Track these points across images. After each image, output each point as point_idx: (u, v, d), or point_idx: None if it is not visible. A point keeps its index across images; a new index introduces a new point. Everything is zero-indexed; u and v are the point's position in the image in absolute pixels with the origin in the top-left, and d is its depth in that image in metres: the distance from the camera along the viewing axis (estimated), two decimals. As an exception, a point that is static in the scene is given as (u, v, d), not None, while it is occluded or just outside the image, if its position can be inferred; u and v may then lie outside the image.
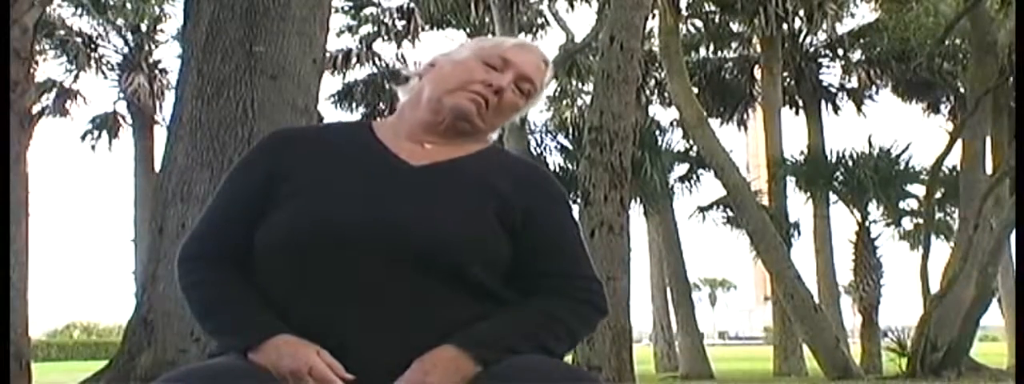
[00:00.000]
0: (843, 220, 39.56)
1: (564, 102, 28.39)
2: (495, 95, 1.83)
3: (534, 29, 25.15)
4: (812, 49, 25.28)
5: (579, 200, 11.21)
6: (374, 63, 25.09)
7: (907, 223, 23.39)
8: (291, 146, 1.85)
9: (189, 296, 1.80)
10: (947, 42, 20.32)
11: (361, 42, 25.27)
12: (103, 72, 25.12)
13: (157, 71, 25.05)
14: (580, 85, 26.33)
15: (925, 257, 15.73)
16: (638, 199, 20.83)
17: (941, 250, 18.95)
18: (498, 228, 1.75)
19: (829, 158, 21.59)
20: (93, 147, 25.49)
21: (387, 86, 24.15)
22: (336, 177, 1.78)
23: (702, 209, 22.86)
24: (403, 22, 24.06)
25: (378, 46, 25.09)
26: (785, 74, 23.79)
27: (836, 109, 25.01)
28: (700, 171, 22.10)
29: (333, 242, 1.69)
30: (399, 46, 24.11)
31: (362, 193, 1.75)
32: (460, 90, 1.82)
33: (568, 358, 1.89)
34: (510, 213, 1.77)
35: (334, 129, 1.97)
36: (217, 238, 1.80)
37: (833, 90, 25.25)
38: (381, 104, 24.53)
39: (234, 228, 1.78)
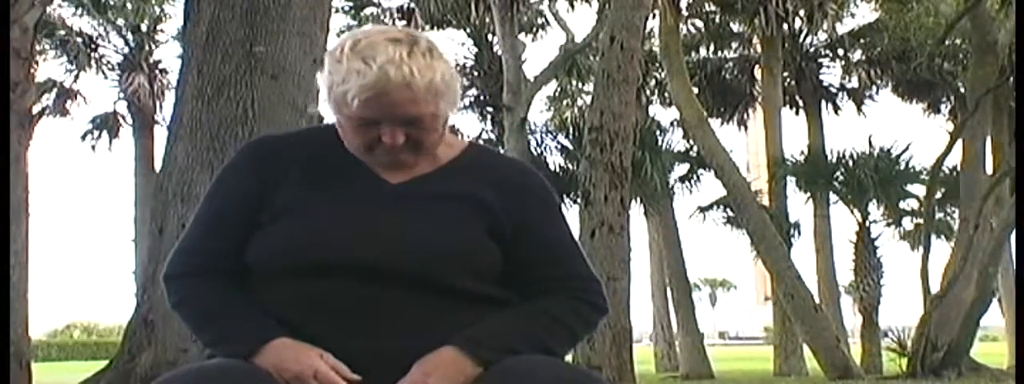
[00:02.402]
0: (843, 220, 39.53)
1: (564, 102, 28.38)
2: (396, 145, 1.69)
3: (534, 29, 25.15)
4: (812, 49, 25.27)
5: (579, 200, 11.22)
6: (374, 63, 25.07)
7: (907, 223, 23.42)
8: (275, 160, 1.80)
9: (180, 313, 1.78)
10: (947, 42, 20.31)
11: (361, 42, 25.24)
12: (103, 72, 25.12)
13: (157, 71, 25.04)
14: (580, 85, 26.32)
15: (925, 257, 15.71)
16: (638, 199, 20.82)
17: (941, 250, 18.96)
18: (487, 239, 1.74)
19: (829, 158, 21.58)
20: (93, 147, 25.51)
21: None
22: (322, 197, 1.75)
23: (702, 209, 22.86)
24: (403, 22, 24.04)
25: (378, 46, 25.07)
26: (785, 74, 23.78)
27: (836, 109, 25.01)
28: (700, 171, 22.09)
29: (326, 265, 1.68)
30: (399, 46, 24.05)
31: (350, 214, 1.73)
32: (366, 152, 1.73)
33: (568, 358, 1.88)
34: (500, 222, 1.76)
35: (310, 139, 1.86)
36: (203, 253, 1.78)
37: (833, 90, 25.24)
38: (381, 104, 24.50)
39: (221, 243, 1.76)
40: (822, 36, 25.03)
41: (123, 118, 25.46)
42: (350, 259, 1.68)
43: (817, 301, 17.35)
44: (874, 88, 25.15)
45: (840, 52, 25.48)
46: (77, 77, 24.75)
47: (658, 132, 22.22)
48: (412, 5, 23.80)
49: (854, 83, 25.14)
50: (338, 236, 1.71)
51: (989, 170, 16.94)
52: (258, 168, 1.80)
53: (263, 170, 1.79)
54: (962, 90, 20.91)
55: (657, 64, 22.58)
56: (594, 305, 1.81)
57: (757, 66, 24.37)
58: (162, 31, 25.50)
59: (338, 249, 1.69)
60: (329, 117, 1.80)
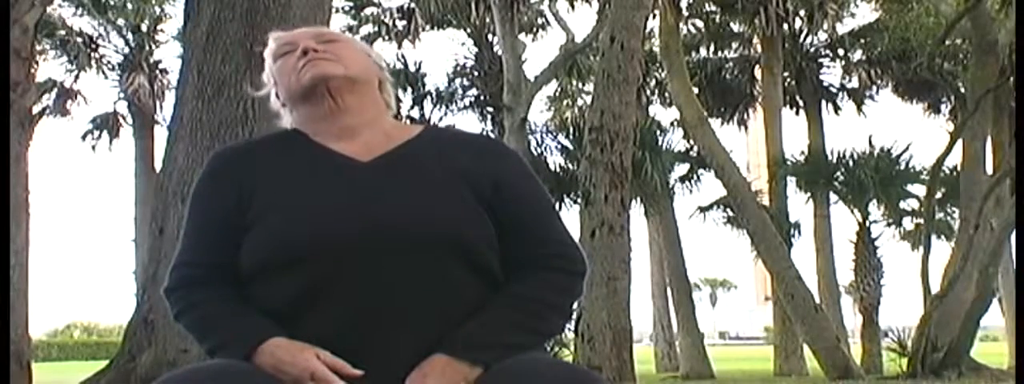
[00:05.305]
0: (844, 220, 39.67)
1: (564, 102, 28.39)
2: (310, 53, 1.83)
3: (535, 29, 25.15)
4: (813, 49, 25.27)
5: (580, 200, 11.22)
6: (374, 63, 25.05)
7: (908, 223, 23.42)
8: (244, 163, 1.83)
9: (184, 324, 1.79)
10: (948, 42, 20.29)
11: (361, 42, 25.24)
12: (104, 72, 25.14)
13: (157, 71, 25.05)
14: (580, 85, 26.33)
15: (925, 257, 15.70)
16: (638, 199, 20.82)
17: (942, 250, 18.97)
18: (475, 202, 1.75)
19: (830, 158, 21.56)
20: (93, 147, 25.52)
21: (388, 86, 24.15)
22: (304, 187, 1.76)
23: (702, 209, 22.85)
24: (403, 22, 24.05)
25: (378, 46, 25.05)
26: (786, 74, 23.78)
27: (837, 109, 25.01)
28: (700, 171, 22.09)
29: (329, 251, 1.68)
30: (399, 46, 24.13)
31: (337, 197, 1.74)
32: (294, 77, 1.84)
33: (568, 358, 1.88)
34: (481, 186, 1.77)
35: (271, 140, 1.91)
36: (197, 265, 1.79)
37: (833, 90, 25.25)
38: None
39: (212, 252, 1.77)
40: (822, 36, 25.06)
41: (123, 118, 25.48)
42: (351, 245, 1.68)
43: (817, 301, 17.34)
44: (874, 88, 25.16)
45: (840, 52, 25.48)
46: (77, 77, 24.81)
47: (658, 132, 22.20)
48: (412, 5, 23.80)
49: (854, 83, 25.15)
50: (334, 224, 1.71)
51: (989, 170, 16.93)
52: (232, 173, 1.82)
53: (237, 175, 1.81)
54: (962, 90, 20.92)
55: (657, 64, 22.58)
56: (572, 272, 1.80)
57: (757, 66, 24.36)
58: (162, 31, 25.56)
59: (331, 235, 1.69)
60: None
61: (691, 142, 20.78)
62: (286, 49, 1.87)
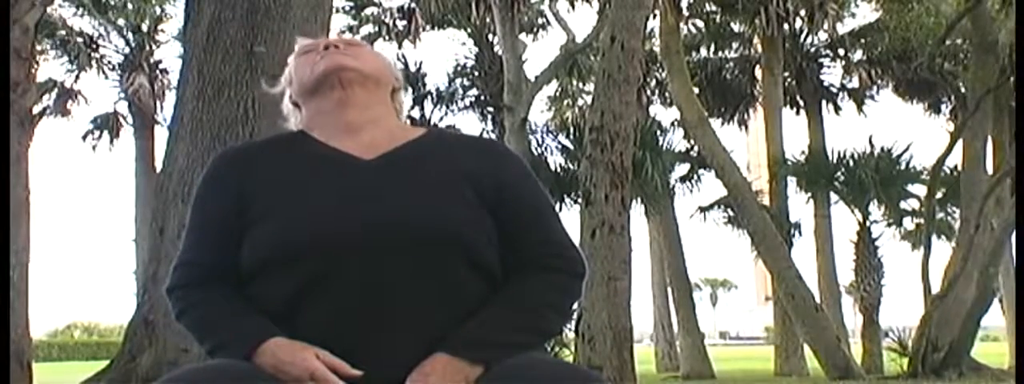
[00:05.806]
0: (844, 220, 39.56)
1: (565, 102, 28.40)
2: (331, 49, 1.91)
3: (535, 29, 25.15)
4: (813, 49, 25.27)
5: (580, 200, 11.22)
6: (375, 63, 25.02)
7: (908, 223, 23.41)
8: (247, 163, 1.84)
9: (184, 324, 1.79)
10: (948, 42, 20.28)
11: (362, 42, 25.23)
12: (104, 72, 25.14)
13: (158, 71, 25.04)
14: (581, 85, 26.33)
15: (926, 257, 15.71)
16: (639, 199, 20.80)
17: (942, 250, 18.97)
18: (477, 203, 1.76)
19: (830, 158, 21.56)
20: (94, 147, 25.51)
21: (400, 96, 24.15)
22: (306, 185, 1.77)
23: (703, 209, 22.86)
24: (404, 22, 24.05)
25: (379, 46, 25.03)
26: (786, 74, 23.77)
27: (837, 109, 25.01)
28: (701, 171, 22.08)
29: (330, 249, 1.68)
30: (400, 46, 24.13)
31: (339, 195, 1.75)
32: (310, 68, 1.90)
33: (568, 358, 1.89)
34: (482, 187, 1.78)
35: (274, 140, 1.94)
36: (199, 265, 1.79)
37: (834, 90, 25.25)
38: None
39: (214, 252, 1.78)
40: (823, 36, 25.04)
41: (124, 118, 25.47)
42: (353, 242, 1.68)
43: (818, 301, 17.34)
44: (875, 88, 25.15)
45: (841, 52, 25.48)
46: (78, 77, 24.80)
47: (659, 132, 22.19)
48: (412, 5, 23.80)
49: (855, 83, 25.14)
50: (336, 221, 1.71)
51: (990, 170, 16.93)
52: (234, 173, 1.83)
53: (238, 176, 1.82)
54: (963, 90, 20.91)
55: (658, 64, 22.58)
56: (572, 273, 1.80)
57: (758, 66, 24.36)
58: (162, 31, 25.55)
59: (331, 233, 1.69)
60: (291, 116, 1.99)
61: (691, 142, 20.78)
62: (309, 48, 1.95)
